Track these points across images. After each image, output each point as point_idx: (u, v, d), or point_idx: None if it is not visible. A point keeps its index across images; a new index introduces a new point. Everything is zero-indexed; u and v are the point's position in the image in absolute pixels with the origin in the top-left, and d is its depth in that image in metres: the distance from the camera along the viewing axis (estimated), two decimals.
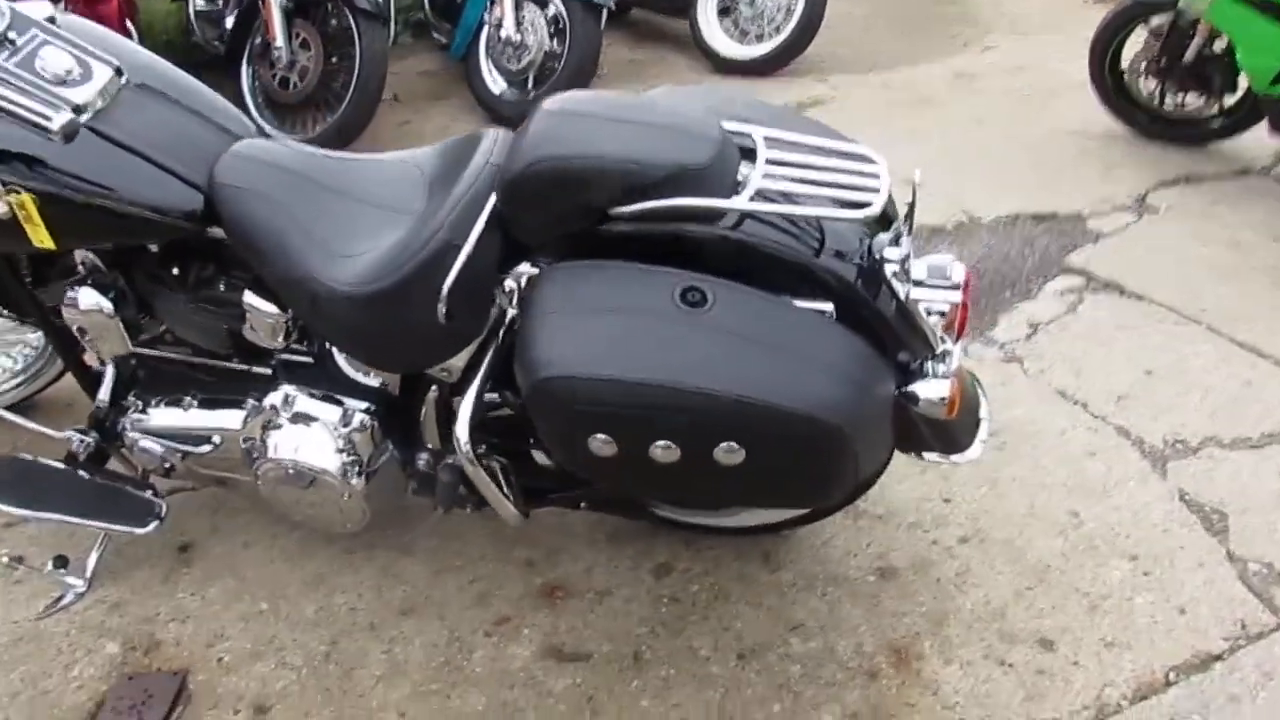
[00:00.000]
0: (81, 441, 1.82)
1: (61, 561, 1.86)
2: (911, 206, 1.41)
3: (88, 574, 1.89)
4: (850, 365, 1.35)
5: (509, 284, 1.46)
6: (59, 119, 1.47)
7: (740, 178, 1.38)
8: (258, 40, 3.77)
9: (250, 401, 1.73)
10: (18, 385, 2.20)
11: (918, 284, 1.48)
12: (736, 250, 1.40)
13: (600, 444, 1.33)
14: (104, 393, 1.82)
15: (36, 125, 1.47)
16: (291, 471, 1.69)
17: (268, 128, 3.81)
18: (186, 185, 1.57)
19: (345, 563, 1.96)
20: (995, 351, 2.56)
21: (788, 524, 1.95)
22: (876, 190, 1.36)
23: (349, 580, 1.93)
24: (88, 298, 1.67)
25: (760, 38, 4.38)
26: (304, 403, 1.68)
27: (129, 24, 3.40)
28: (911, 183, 1.37)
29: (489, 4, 3.93)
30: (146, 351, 1.78)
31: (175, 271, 1.69)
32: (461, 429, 1.50)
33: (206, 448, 1.79)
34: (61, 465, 1.83)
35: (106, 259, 1.70)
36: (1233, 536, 2.00)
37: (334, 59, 3.72)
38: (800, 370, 1.31)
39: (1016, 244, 3.07)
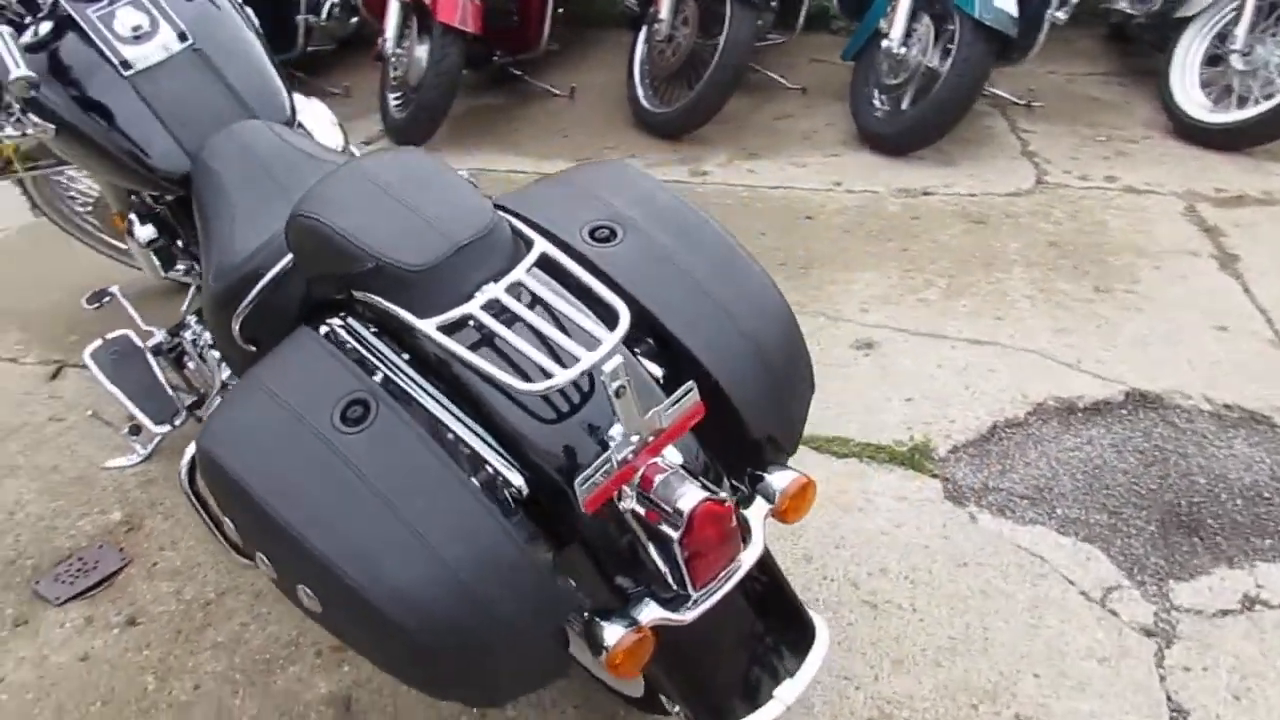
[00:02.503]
0: (160, 341, 2.15)
1: (135, 430, 2.22)
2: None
3: (149, 448, 2.24)
4: (469, 565, 1.07)
5: None
6: (102, 72, 1.72)
7: (479, 288, 1.16)
8: (652, 9, 3.90)
9: None
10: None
11: (645, 499, 1.11)
12: (439, 362, 1.20)
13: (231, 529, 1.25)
14: (184, 306, 2.12)
15: (89, 71, 1.73)
16: None
17: (640, 92, 3.97)
18: (181, 151, 1.73)
19: None
20: (1141, 612, 1.76)
21: None
22: (575, 362, 1.05)
23: None
24: (135, 226, 1.95)
25: (1245, 100, 3.37)
26: None
27: None
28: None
29: (887, 10, 3.56)
30: (176, 278, 2.03)
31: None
32: None
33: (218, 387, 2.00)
34: (146, 353, 2.18)
35: (154, 195, 1.95)
36: None
37: (706, 39, 3.72)
38: (396, 543, 1.08)
39: None
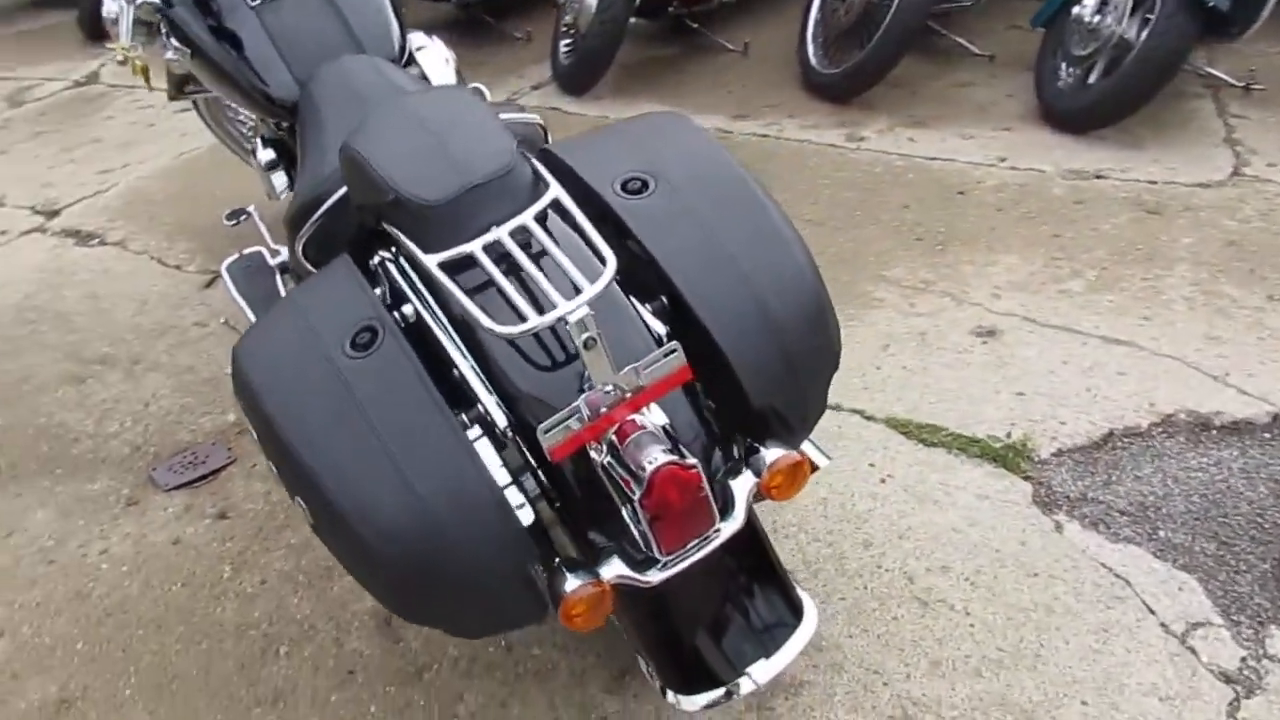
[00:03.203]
0: (284, 260, 2.31)
1: None
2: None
3: None
4: (437, 495, 1.11)
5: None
6: (231, 2, 1.86)
7: (489, 228, 1.19)
8: None
9: None
10: None
11: (616, 456, 1.10)
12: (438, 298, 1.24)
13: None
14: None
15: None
16: None
17: (811, 50, 3.86)
18: (293, 80, 1.85)
19: None
20: (1226, 655, 1.58)
21: None
22: (551, 309, 1.06)
23: None
24: (257, 148, 2.09)
25: None
26: None
27: None
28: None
29: None
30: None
31: None
32: None
33: None
34: (275, 271, 2.35)
35: (273, 121, 2.08)
36: None
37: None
38: (373, 466, 1.13)
39: None
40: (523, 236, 1.16)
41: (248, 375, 1.22)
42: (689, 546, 1.12)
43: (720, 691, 1.19)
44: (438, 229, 1.20)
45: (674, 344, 1.08)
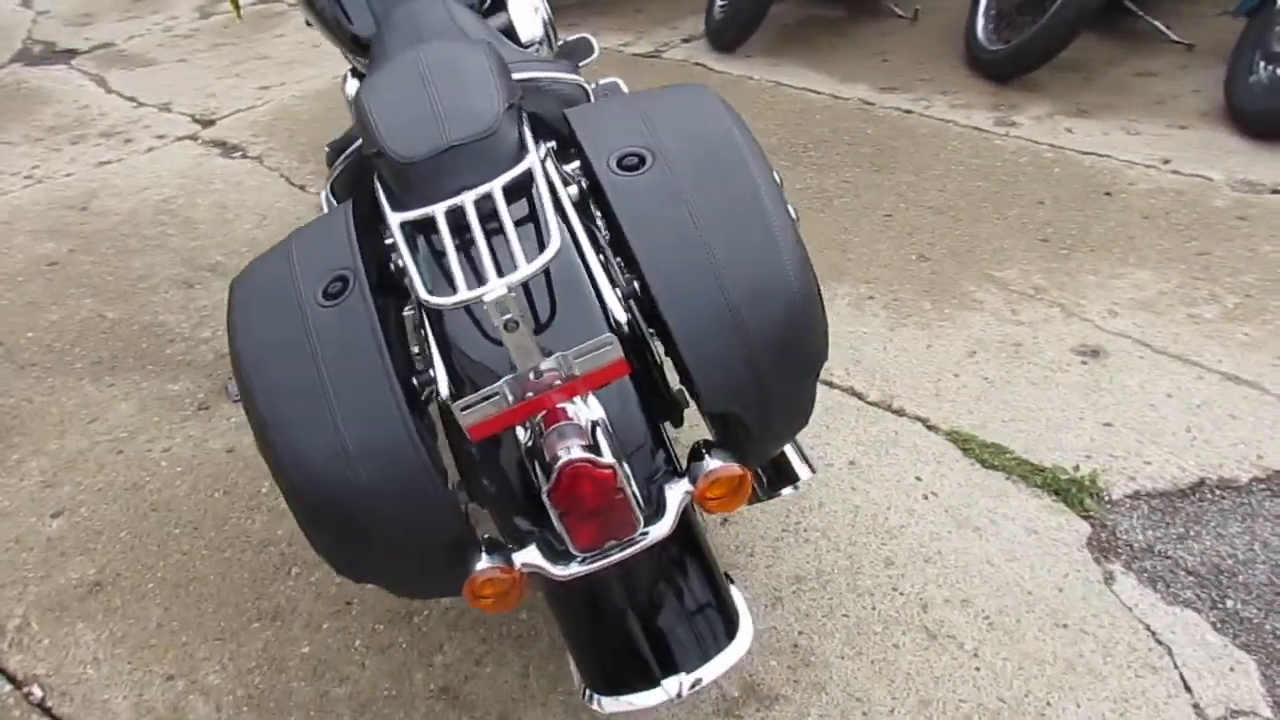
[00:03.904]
0: None
1: None
2: None
3: None
4: (364, 450, 1.11)
5: None
6: None
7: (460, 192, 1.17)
8: None
9: None
10: None
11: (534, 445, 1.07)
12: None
13: None
14: None
15: None
16: None
17: (980, 24, 3.62)
18: (372, 19, 1.88)
19: None
20: None
21: None
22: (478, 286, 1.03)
23: None
24: (345, 82, 2.14)
25: None
26: None
27: None
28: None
29: None
30: None
31: None
32: None
33: None
34: None
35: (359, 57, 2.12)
36: None
37: None
38: (313, 412, 1.14)
39: None
40: (488, 205, 1.13)
41: (230, 308, 1.25)
42: (607, 547, 1.07)
43: (634, 697, 1.15)
44: (413, 186, 1.18)
45: (607, 336, 1.02)
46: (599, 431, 1.07)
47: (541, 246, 1.08)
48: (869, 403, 2.08)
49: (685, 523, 1.16)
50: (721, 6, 3.97)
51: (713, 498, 1.09)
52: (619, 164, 1.22)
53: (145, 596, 1.81)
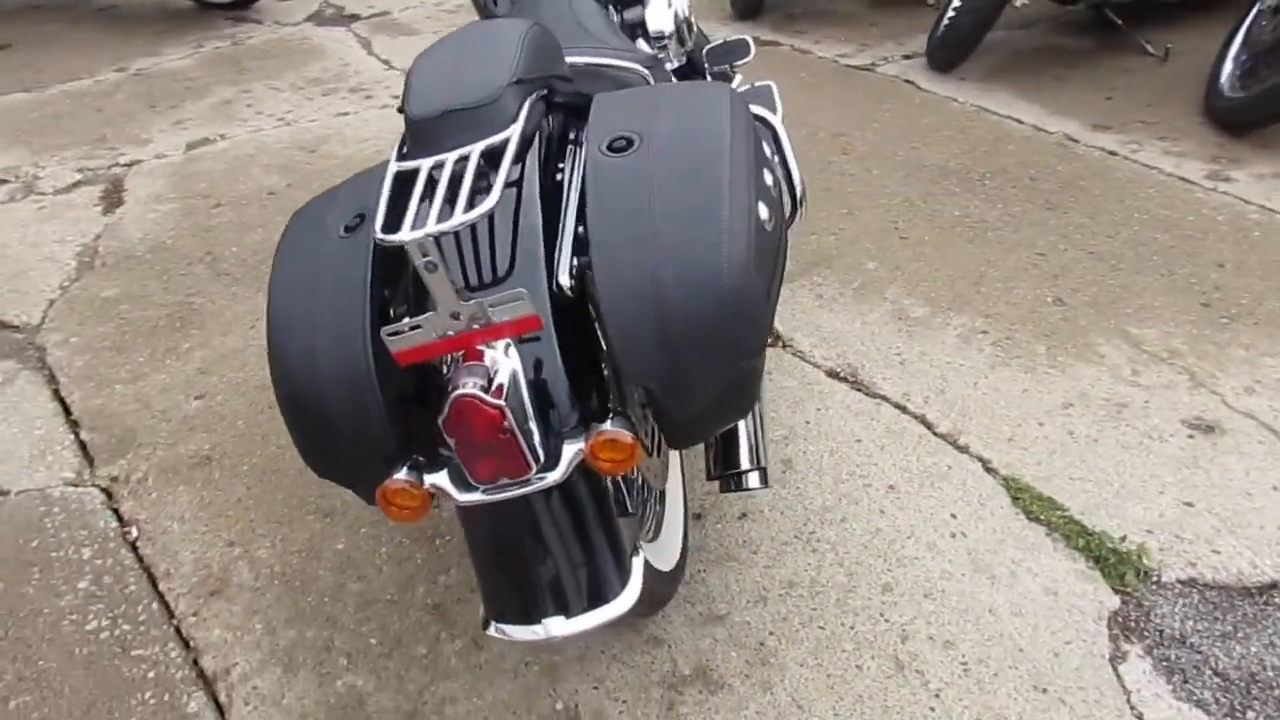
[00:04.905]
0: None
1: None
2: None
3: None
4: (327, 362, 1.28)
5: None
6: None
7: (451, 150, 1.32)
8: None
9: None
10: None
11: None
12: None
13: None
14: None
15: None
16: None
17: (1226, 69, 3.34)
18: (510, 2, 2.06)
19: None
20: None
21: None
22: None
23: None
24: None
25: None
26: None
27: None
28: None
29: None
30: None
31: None
32: None
33: None
34: None
35: None
36: None
37: None
38: (301, 322, 1.33)
39: None
40: (461, 166, 1.24)
41: (282, 235, 1.45)
42: (502, 483, 1.17)
43: (513, 629, 1.24)
44: (418, 141, 1.32)
45: (518, 291, 1.11)
46: (509, 377, 1.17)
47: (518, 213, 1.19)
48: (936, 433, 2.03)
49: (598, 485, 1.24)
50: (947, 25, 3.88)
51: (603, 459, 1.17)
52: (609, 145, 1.31)
53: (237, 476, 2.10)
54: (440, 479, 1.21)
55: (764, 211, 1.26)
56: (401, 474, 1.20)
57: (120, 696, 1.65)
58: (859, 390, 2.17)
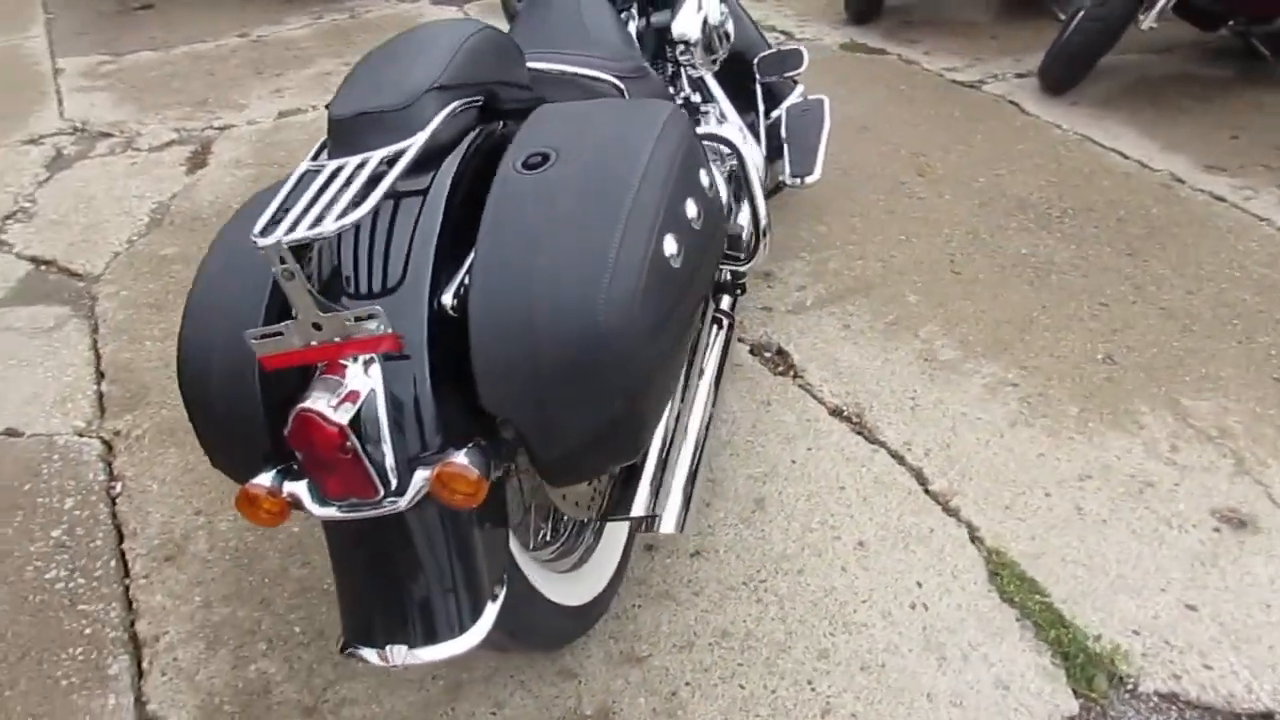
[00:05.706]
0: None
1: None
2: None
3: None
4: (218, 348, 1.28)
5: None
6: None
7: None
8: None
9: None
10: None
11: None
12: None
13: None
14: None
15: None
16: None
17: None
18: None
19: None
20: None
21: None
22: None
23: None
24: None
25: None
26: None
27: None
28: None
29: None
30: None
31: None
32: None
33: None
34: None
35: None
36: None
37: None
38: (217, 311, 1.31)
39: None
40: (354, 170, 1.20)
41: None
42: (352, 502, 1.13)
43: (363, 650, 1.20)
44: (334, 142, 1.29)
45: (374, 308, 1.07)
46: (367, 395, 1.12)
47: (417, 226, 1.15)
48: (928, 490, 1.88)
49: (459, 516, 1.19)
50: (1063, 42, 3.62)
51: (446, 490, 1.11)
52: (524, 161, 1.24)
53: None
54: (300, 489, 1.17)
55: (671, 245, 1.17)
56: (264, 477, 1.17)
57: (52, 649, 1.70)
58: (859, 433, 2.04)
